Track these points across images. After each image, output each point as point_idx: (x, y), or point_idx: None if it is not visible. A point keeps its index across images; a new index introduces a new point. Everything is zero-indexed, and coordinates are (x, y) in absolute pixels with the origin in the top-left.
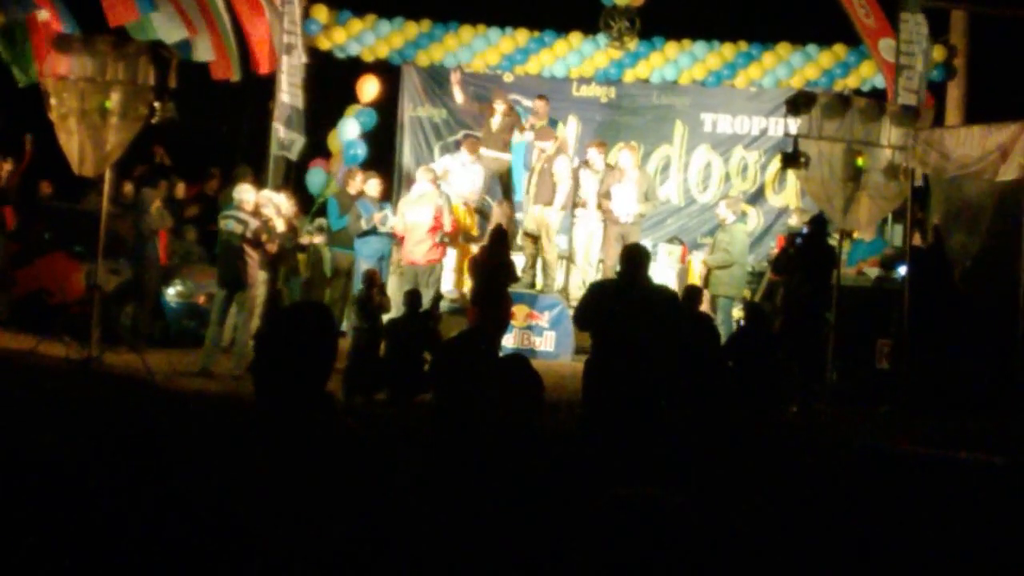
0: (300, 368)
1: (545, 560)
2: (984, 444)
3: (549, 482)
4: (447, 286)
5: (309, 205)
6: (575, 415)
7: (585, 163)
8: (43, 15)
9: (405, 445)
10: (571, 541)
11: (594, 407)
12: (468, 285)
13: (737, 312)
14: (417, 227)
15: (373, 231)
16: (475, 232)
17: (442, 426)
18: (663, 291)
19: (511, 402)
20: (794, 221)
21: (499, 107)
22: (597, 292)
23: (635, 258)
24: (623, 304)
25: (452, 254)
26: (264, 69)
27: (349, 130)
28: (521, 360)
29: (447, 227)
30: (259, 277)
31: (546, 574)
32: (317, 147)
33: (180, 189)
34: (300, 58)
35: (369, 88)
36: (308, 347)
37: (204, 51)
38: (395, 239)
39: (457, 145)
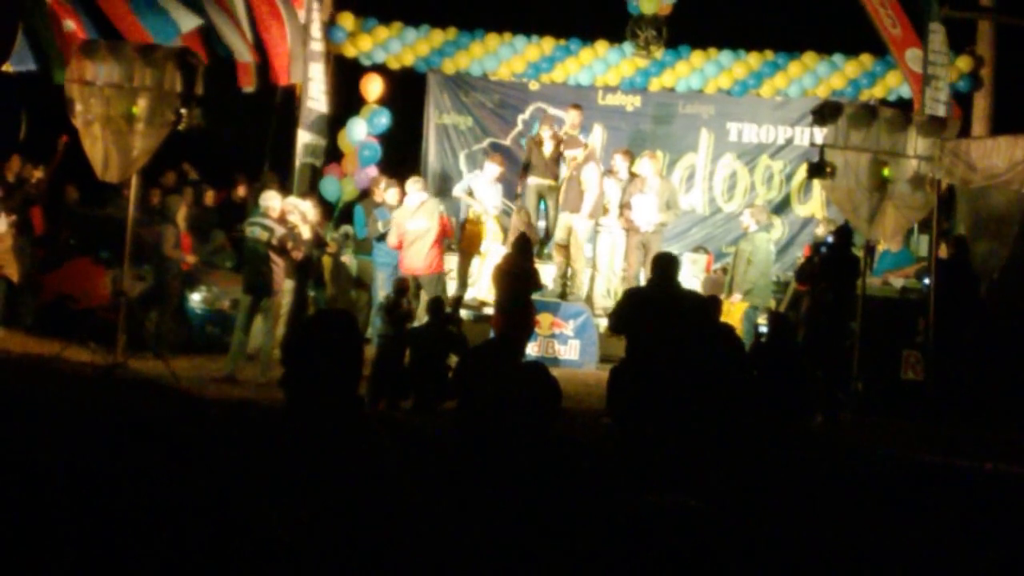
0: (328, 374)
1: (569, 567)
2: (1010, 455)
3: (570, 489)
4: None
5: (331, 211)
6: (599, 424)
7: (610, 171)
8: (68, 25)
9: (429, 451)
10: (598, 548)
11: (624, 408)
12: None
13: (762, 321)
14: (419, 236)
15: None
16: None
17: (465, 431)
18: (693, 296)
19: (529, 409)
20: (820, 231)
21: (546, 134)
22: (632, 297)
23: (666, 265)
24: (656, 308)
25: (475, 262)
26: (283, 80)
27: (357, 130)
28: (539, 367)
29: (453, 234)
30: (285, 285)
31: None
32: (330, 151)
33: (209, 197)
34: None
35: (373, 87)
36: (335, 354)
37: (243, 52)
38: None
39: (485, 154)
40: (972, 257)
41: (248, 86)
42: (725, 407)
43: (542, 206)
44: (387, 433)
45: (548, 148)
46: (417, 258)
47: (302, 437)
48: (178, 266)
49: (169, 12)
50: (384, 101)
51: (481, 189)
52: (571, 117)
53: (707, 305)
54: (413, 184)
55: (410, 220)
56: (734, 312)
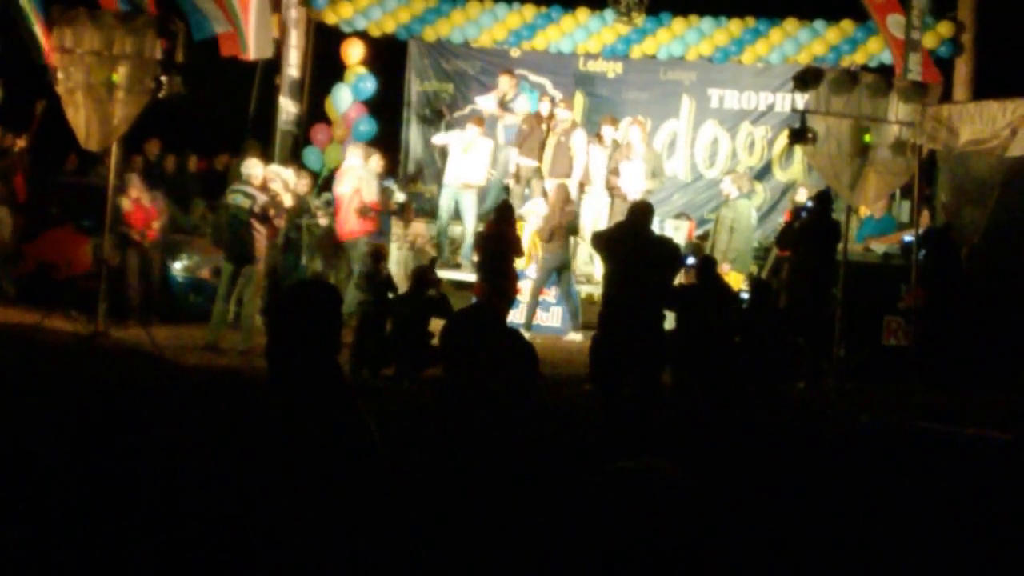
0: (308, 345)
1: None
2: (992, 420)
3: (550, 453)
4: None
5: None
6: (581, 391)
7: (597, 137)
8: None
9: (411, 419)
10: (573, 514)
11: (607, 328)
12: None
13: (743, 287)
14: (342, 200)
15: None
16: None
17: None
18: (665, 240)
19: (509, 374)
20: (801, 196)
21: (544, 108)
22: (614, 229)
23: (642, 212)
24: (633, 245)
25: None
26: (247, 56)
27: (343, 97)
28: (514, 333)
29: (368, 200)
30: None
31: (547, 547)
32: (315, 115)
33: (192, 162)
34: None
35: (354, 52)
36: (315, 324)
37: (219, 23)
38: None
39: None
40: (954, 223)
41: (237, 52)
42: (708, 372)
43: (526, 191)
44: (367, 401)
45: (545, 127)
46: (344, 223)
47: (283, 406)
48: (131, 238)
49: None
50: (368, 66)
51: (454, 159)
52: (503, 83)
53: (676, 252)
54: (352, 149)
55: (338, 184)
56: (729, 283)
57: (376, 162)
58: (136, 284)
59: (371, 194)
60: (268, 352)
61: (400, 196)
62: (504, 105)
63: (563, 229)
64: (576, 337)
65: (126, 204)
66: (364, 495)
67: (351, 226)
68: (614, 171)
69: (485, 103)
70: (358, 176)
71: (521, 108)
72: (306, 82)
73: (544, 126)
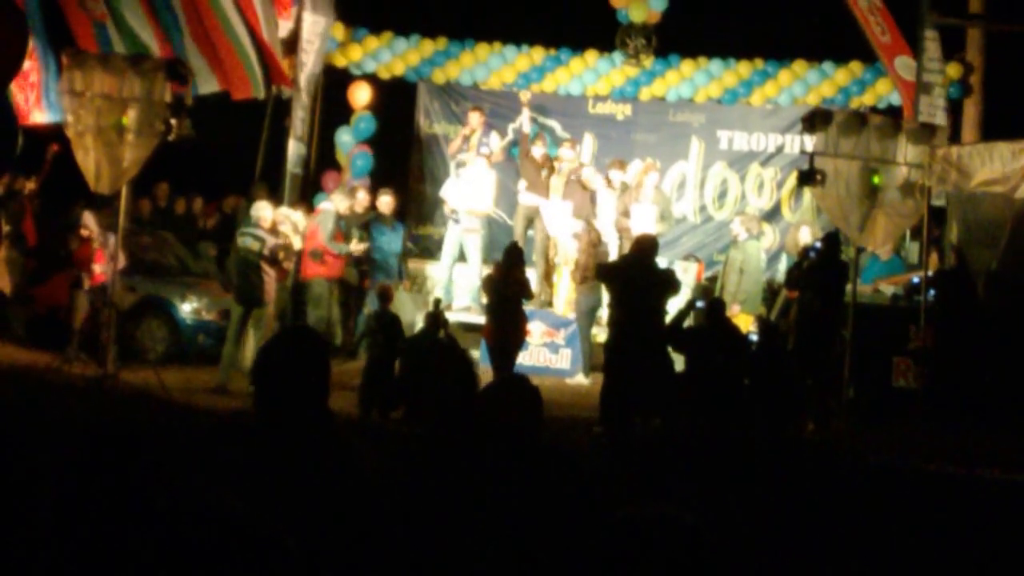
0: (292, 391)
1: None
2: (1002, 463)
3: (559, 499)
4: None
5: None
6: (592, 433)
7: (605, 180)
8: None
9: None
10: (581, 561)
11: (615, 365)
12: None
13: (752, 329)
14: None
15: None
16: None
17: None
18: (670, 272)
19: (513, 420)
20: (804, 235)
21: (537, 152)
22: (619, 260)
23: (648, 245)
24: (638, 276)
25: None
26: (279, 81)
27: (345, 139)
28: (520, 379)
29: (320, 243)
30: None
31: None
32: (326, 159)
33: (197, 204)
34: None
35: (361, 95)
36: (297, 371)
37: (207, 83)
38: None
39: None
40: (967, 262)
41: (249, 94)
42: (716, 414)
43: (529, 232)
44: (368, 445)
45: (544, 171)
46: (304, 265)
47: (272, 454)
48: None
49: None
50: (373, 109)
51: (452, 192)
52: (472, 119)
53: (674, 280)
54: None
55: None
56: (738, 325)
57: (341, 202)
58: (81, 326)
59: (324, 236)
60: (256, 402)
61: (355, 244)
62: (467, 139)
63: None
64: (583, 380)
65: (74, 243)
66: (356, 540)
67: (309, 269)
68: (625, 213)
69: (492, 142)
70: (316, 220)
71: (495, 144)
72: (315, 125)
73: (544, 170)
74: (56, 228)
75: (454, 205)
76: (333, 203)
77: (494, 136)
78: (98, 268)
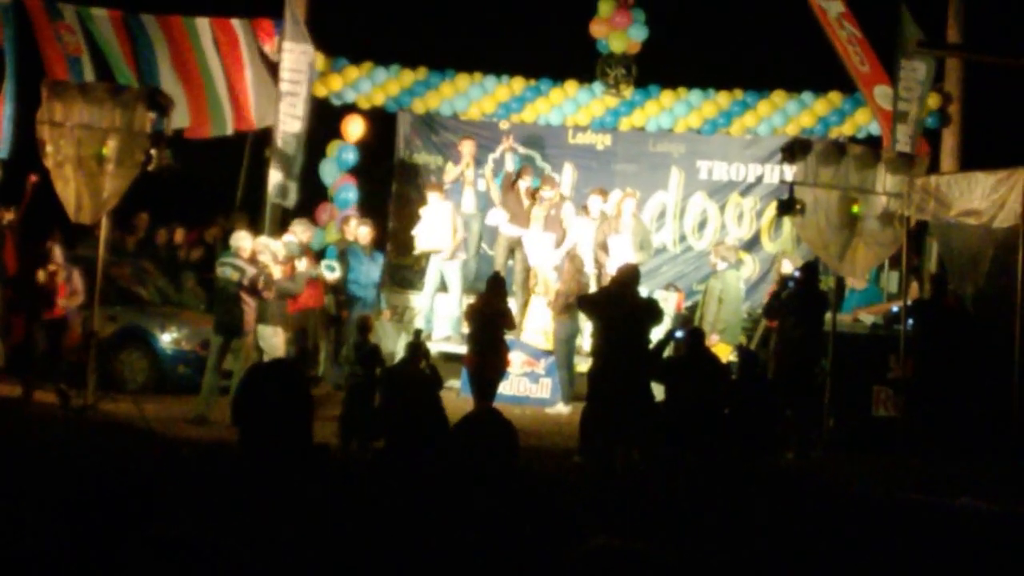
0: (273, 424)
1: None
2: (981, 491)
3: (533, 530)
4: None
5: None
6: (571, 462)
7: (583, 209)
8: None
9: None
10: None
11: (596, 395)
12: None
13: (732, 358)
14: None
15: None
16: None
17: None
18: (652, 301)
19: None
20: (786, 267)
21: (523, 185)
22: (600, 291)
23: (629, 275)
24: (620, 306)
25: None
26: (243, 126)
27: (328, 171)
28: (493, 414)
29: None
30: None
31: None
32: (316, 192)
33: (179, 234)
34: (298, 106)
35: (354, 128)
36: (275, 406)
37: (180, 118)
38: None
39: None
40: (949, 290)
41: (205, 134)
42: (696, 444)
43: (509, 263)
44: (350, 475)
45: (525, 202)
46: None
47: (254, 485)
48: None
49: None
50: (355, 139)
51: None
52: (466, 148)
53: (656, 310)
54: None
55: None
56: (718, 354)
57: (303, 232)
58: (38, 359)
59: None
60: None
61: (326, 273)
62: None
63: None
64: (563, 409)
65: (40, 275)
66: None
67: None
68: (602, 245)
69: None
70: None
71: (488, 175)
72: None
73: (527, 201)
74: (37, 258)
75: (419, 246)
76: (295, 235)
77: (488, 169)
78: (61, 302)
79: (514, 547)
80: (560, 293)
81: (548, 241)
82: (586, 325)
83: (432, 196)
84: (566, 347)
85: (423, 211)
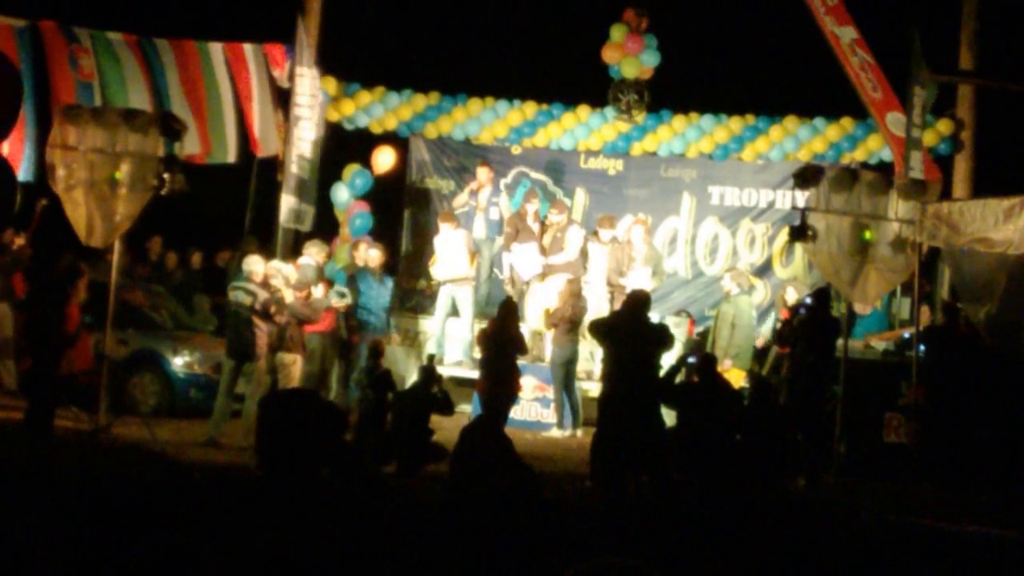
0: (292, 450)
1: None
2: (994, 518)
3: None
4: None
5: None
6: (582, 487)
7: (594, 235)
8: None
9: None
10: None
11: (608, 420)
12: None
13: (744, 384)
14: None
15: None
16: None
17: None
18: (664, 327)
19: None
20: (790, 295)
21: (530, 209)
22: (611, 317)
23: (641, 300)
24: (631, 331)
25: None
26: (259, 152)
27: (341, 195)
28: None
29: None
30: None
31: None
32: (320, 214)
33: (195, 258)
34: (311, 131)
35: (383, 159)
36: (297, 432)
37: (191, 143)
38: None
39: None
40: (961, 317)
41: (200, 160)
42: (708, 470)
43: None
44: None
45: (535, 227)
46: None
47: (274, 512)
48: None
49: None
50: (366, 163)
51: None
52: (481, 174)
53: (667, 335)
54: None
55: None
56: (730, 379)
57: (318, 254)
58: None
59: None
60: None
61: (335, 300)
62: (475, 193)
63: (571, 323)
64: (561, 433)
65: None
66: None
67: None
68: (617, 269)
69: (502, 203)
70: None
71: (504, 204)
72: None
73: (535, 224)
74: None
75: (437, 277)
76: (311, 255)
77: (503, 197)
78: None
79: (522, 569)
80: (554, 314)
81: (530, 250)
82: (596, 351)
83: (444, 226)
84: (562, 370)
85: (436, 241)
